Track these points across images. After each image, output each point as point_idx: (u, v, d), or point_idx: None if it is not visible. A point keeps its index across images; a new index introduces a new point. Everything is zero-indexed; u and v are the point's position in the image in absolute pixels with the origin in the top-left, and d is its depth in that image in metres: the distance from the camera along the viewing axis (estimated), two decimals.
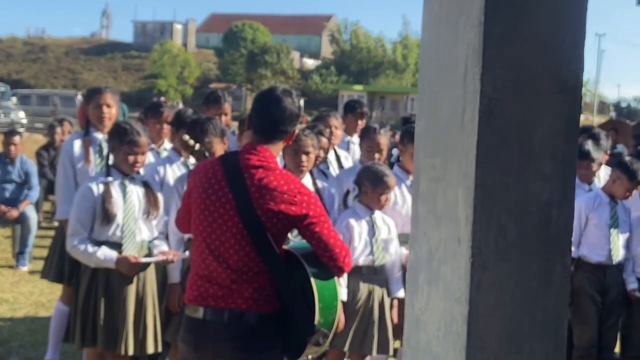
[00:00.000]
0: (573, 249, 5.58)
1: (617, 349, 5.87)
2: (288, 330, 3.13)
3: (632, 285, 5.57)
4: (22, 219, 8.52)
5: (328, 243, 3.10)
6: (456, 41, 1.26)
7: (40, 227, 9.06)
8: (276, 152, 3.21)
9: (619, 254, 5.54)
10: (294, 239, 3.53)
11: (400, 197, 4.88)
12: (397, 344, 4.95)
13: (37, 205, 9.37)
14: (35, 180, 8.91)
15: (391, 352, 4.78)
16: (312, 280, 3.06)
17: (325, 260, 3.12)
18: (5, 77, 54.93)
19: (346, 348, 4.55)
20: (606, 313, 5.59)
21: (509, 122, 1.26)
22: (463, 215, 1.25)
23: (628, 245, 5.61)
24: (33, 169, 9.04)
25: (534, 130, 1.26)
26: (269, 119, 3.16)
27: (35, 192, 8.92)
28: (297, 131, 3.33)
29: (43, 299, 7.08)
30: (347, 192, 4.84)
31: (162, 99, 34.58)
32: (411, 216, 1.47)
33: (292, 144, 4.54)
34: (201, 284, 3.13)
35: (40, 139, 19.71)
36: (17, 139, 8.94)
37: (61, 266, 4.93)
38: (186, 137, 3.76)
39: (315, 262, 3.12)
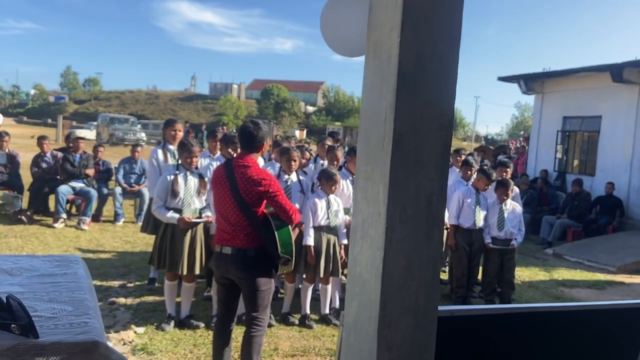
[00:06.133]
0: (454, 220, 5.63)
1: (479, 277, 5.93)
2: (271, 258, 3.17)
3: (487, 240, 5.62)
4: (140, 195, 8.52)
5: (282, 206, 3.17)
6: (380, 100, 1.26)
7: None
8: (255, 158, 3.26)
9: (480, 222, 5.57)
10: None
11: (346, 186, 4.91)
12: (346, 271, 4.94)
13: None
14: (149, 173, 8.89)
15: (341, 277, 4.80)
16: (274, 227, 3.11)
17: (281, 215, 3.18)
18: (134, 113, 54.56)
19: (321, 275, 4.53)
20: (472, 257, 5.63)
21: (410, 147, 1.25)
22: (382, 200, 1.25)
23: (486, 218, 5.64)
24: (147, 166, 9.00)
25: (423, 152, 1.26)
26: (247, 139, 3.23)
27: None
28: (266, 144, 3.34)
29: (150, 240, 7.04)
30: (313, 184, 4.88)
31: (224, 127, 34.38)
32: (353, 199, 1.48)
33: (285, 154, 4.63)
34: (219, 233, 3.22)
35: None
36: (139, 148, 8.96)
37: (155, 224, 4.90)
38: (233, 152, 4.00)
39: (277, 218, 3.18)
